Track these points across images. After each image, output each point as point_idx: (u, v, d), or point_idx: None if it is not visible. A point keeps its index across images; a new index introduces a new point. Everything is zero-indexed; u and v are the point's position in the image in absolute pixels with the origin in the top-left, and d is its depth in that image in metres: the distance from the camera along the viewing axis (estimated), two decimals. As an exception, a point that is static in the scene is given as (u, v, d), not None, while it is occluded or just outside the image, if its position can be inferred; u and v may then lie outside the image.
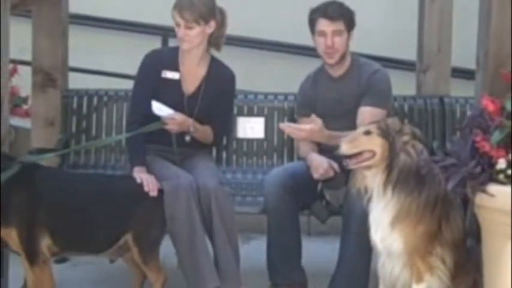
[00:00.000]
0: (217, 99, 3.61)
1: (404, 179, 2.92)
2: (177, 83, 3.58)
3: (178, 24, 3.50)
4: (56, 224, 3.17)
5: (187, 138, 3.57)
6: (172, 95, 3.55)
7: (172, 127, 3.45)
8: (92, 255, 3.45)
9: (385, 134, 2.98)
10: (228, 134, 3.96)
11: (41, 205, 3.16)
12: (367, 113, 3.46)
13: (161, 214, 3.32)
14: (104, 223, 3.26)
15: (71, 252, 3.44)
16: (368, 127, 3.03)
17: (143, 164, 3.45)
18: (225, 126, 3.75)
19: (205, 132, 3.60)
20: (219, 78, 3.62)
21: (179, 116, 3.46)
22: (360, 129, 3.06)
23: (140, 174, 3.37)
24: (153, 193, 3.30)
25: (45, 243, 3.15)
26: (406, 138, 2.97)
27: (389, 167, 2.94)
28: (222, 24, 3.60)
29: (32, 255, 3.14)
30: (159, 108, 3.45)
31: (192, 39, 3.50)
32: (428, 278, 2.96)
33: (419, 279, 2.97)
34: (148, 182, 3.32)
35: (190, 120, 3.50)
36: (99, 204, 3.26)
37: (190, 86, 3.60)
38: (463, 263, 3.00)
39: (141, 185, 3.32)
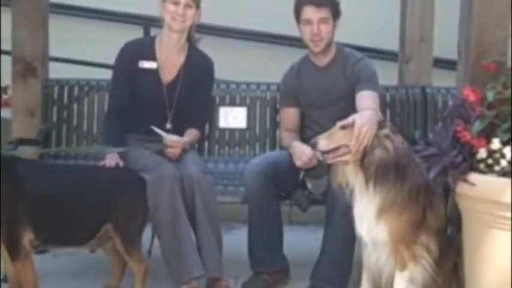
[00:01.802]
0: (197, 86, 3.62)
1: (383, 173, 2.92)
2: (155, 72, 3.58)
3: (177, 3, 3.49)
4: (38, 218, 3.14)
5: (168, 126, 3.57)
6: (151, 84, 3.56)
7: (174, 151, 3.45)
8: (73, 247, 3.43)
9: None
10: (207, 120, 3.96)
11: (22, 198, 3.12)
12: (367, 97, 3.41)
13: (143, 204, 3.31)
14: (86, 214, 3.23)
15: (52, 245, 3.41)
16: (345, 121, 3.04)
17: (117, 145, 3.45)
18: (205, 114, 3.77)
19: (194, 137, 3.64)
20: (198, 66, 3.62)
21: (178, 140, 3.45)
22: (338, 124, 3.07)
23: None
24: (110, 164, 3.34)
25: (27, 237, 3.12)
26: (386, 131, 2.98)
27: (362, 163, 2.94)
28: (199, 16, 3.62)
29: (13, 250, 3.11)
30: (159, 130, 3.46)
31: (187, 19, 3.52)
32: (412, 266, 2.98)
33: (403, 268, 2.98)
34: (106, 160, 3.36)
35: (185, 140, 3.51)
36: (80, 196, 3.24)
37: (168, 75, 3.60)
38: (444, 249, 3.02)
39: (122, 175, 3.31)
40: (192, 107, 3.62)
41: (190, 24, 3.56)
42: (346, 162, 3.01)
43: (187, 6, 3.50)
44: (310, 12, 3.53)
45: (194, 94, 3.61)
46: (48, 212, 3.17)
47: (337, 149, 3.01)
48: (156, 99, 3.52)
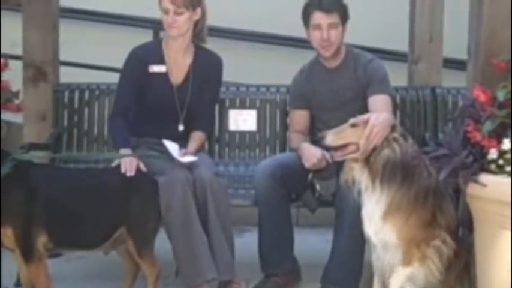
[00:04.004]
0: (206, 85, 3.64)
1: (390, 173, 2.93)
2: (164, 76, 3.59)
3: (166, 11, 3.50)
4: (52, 221, 3.16)
5: (181, 127, 3.60)
6: (161, 87, 3.58)
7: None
8: (87, 250, 3.44)
9: None
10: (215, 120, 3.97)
11: (36, 202, 3.14)
12: (380, 101, 3.44)
13: (156, 206, 3.32)
14: (99, 217, 3.25)
15: (66, 248, 3.43)
16: (356, 120, 3.04)
17: (128, 145, 3.45)
18: (213, 112, 3.81)
19: (200, 141, 3.62)
20: (206, 65, 3.64)
21: (188, 162, 3.43)
22: (350, 121, 3.07)
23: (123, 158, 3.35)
24: (130, 173, 3.28)
25: (41, 240, 3.14)
26: (395, 134, 2.98)
27: (368, 161, 2.94)
28: (204, 14, 3.61)
29: (27, 253, 3.13)
30: (170, 146, 3.46)
31: (181, 25, 3.51)
32: (417, 266, 2.97)
33: (407, 263, 2.97)
34: (126, 163, 3.31)
35: (194, 159, 3.46)
36: (94, 199, 3.25)
37: (178, 77, 3.61)
38: (456, 251, 3.01)
39: (134, 177, 3.31)
40: (202, 106, 3.63)
41: (188, 27, 3.54)
42: (354, 159, 3.00)
43: (176, 14, 3.48)
44: (319, 17, 3.52)
45: (204, 94, 3.63)
46: (62, 215, 3.19)
47: (345, 146, 3.00)
48: (167, 102, 3.54)
